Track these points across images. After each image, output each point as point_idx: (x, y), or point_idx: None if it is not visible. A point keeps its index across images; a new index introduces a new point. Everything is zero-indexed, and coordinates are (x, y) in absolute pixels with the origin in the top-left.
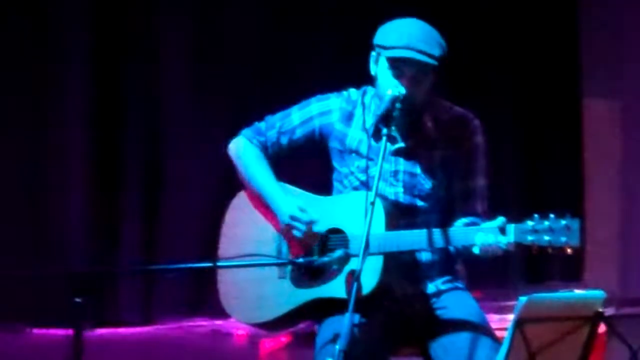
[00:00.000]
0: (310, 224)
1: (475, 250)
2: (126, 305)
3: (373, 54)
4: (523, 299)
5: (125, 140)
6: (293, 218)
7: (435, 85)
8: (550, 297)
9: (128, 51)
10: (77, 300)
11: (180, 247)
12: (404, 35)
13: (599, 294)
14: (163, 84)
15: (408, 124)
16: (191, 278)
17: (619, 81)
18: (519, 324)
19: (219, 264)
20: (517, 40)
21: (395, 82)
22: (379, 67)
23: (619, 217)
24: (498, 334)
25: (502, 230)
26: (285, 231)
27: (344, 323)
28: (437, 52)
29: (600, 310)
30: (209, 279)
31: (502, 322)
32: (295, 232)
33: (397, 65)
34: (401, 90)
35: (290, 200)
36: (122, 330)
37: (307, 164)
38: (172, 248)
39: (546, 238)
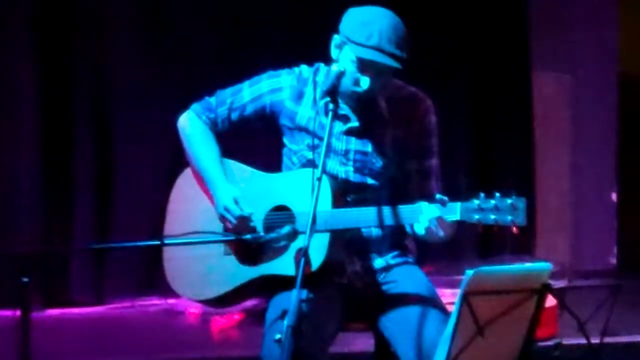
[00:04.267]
0: (240, 219)
1: (421, 228)
2: (77, 285)
3: (337, 37)
4: (470, 272)
5: (76, 120)
6: (226, 209)
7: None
8: (497, 270)
9: (76, 27)
10: (24, 280)
11: (133, 226)
12: (375, 33)
13: (545, 265)
14: (113, 64)
15: (362, 104)
16: (142, 257)
17: (569, 55)
18: (465, 297)
19: (166, 241)
20: (466, 14)
21: (357, 73)
22: (343, 55)
23: (569, 191)
24: (450, 308)
25: (444, 204)
26: (220, 219)
27: (291, 299)
28: (404, 53)
29: (547, 282)
30: (160, 257)
31: (455, 296)
32: (227, 224)
33: (363, 62)
34: (364, 84)
35: (228, 190)
36: (73, 310)
37: (260, 139)
38: (125, 228)
39: (492, 217)
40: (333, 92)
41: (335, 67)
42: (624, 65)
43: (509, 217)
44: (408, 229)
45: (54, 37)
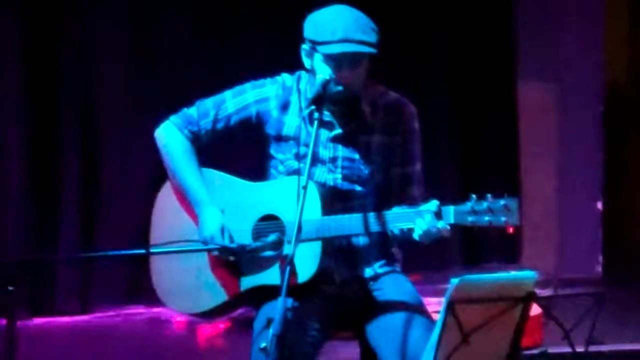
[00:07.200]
0: (224, 250)
1: (415, 236)
2: (63, 294)
3: (305, 47)
4: (455, 280)
5: (62, 130)
6: (212, 240)
7: (371, 69)
8: (482, 279)
9: (62, 48)
10: (10, 289)
11: (118, 235)
12: (338, 28)
13: (530, 274)
14: (100, 75)
15: (346, 110)
16: (128, 266)
17: (554, 64)
18: (450, 305)
19: (151, 250)
20: (453, 23)
21: (333, 75)
22: (315, 61)
23: (555, 199)
24: (435, 316)
25: (438, 215)
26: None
27: (277, 308)
28: (373, 38)
29: (532, 290)
30: (145, 266)
31: (440, 305)
32: (213, 251)
33: (336, 59)
34: (326, 75)
35: (215, 216)
36: (59, 319)
37: (243, 150)
38: (111, 237)
39: (486, 218)
40: (319, 101)
41: (321, 76)
42: (610, 73)
43: (503, 218)
44: (397, 232)
45: (40, 49)
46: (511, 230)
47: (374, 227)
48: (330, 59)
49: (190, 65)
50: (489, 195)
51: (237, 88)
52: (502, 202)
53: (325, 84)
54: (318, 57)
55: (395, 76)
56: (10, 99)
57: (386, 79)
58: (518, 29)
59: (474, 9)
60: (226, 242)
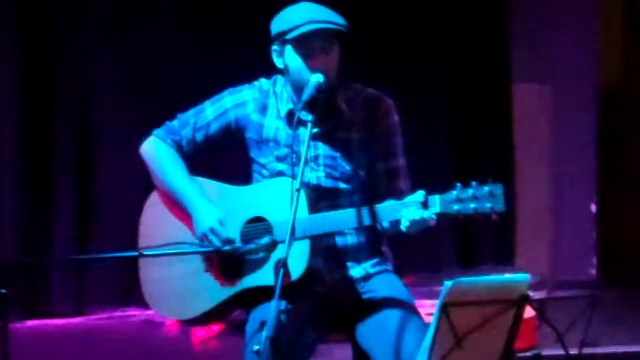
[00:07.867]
0: (226, 241)
1: (402, 227)
2: (57, 297)
3: (275, 47)
4: (448, 283)
5: (57, 131)
6: (213, 231)
7: (344, 66)
8: (475, 281)
9: (56, 49)
10: (2, 291)
11: (113, 237)
12: (304, 14)
13: (523, 276)
14: (93, 80)
15: (323, 108)
16: (122, 268)
17: (548, 66)
18: (444, 308)
19: (144, 252)
20: (449, 25)
21: (309, 68)
22: (286, 58)
23: (549, 201)
24: (429, 319)
25: (424, 205)
26: (201, 239)
27: (270, 310)
28: (341, 20)
29: (525, 293)
30: (138, 276)
31: (434, 307)
32: (208, 245)
33: (306, 43)
34: (319, 78)
35: (211, 211)
36: (53, 321)
37: (228, 156)
38: (106, 239)
39: (471, 206)
40: (312, 103)
41: (314, 79)
42: (604, 75)
43: (488, 205)
44: (385, 225)
45: (37, 51)
46: (494, 217)
47: (361, 222)
48: (300, 45)
49: (187, 68)
50: (473, 183)
51: (216, 96)
52: (486, 188)
53: (318, 87)
54: (289, 50)
55: (390, 77)
56: (5, 99)
57: (382, 79)
58: (513, 31)
59: (469, 10)
60: (226, 235)
